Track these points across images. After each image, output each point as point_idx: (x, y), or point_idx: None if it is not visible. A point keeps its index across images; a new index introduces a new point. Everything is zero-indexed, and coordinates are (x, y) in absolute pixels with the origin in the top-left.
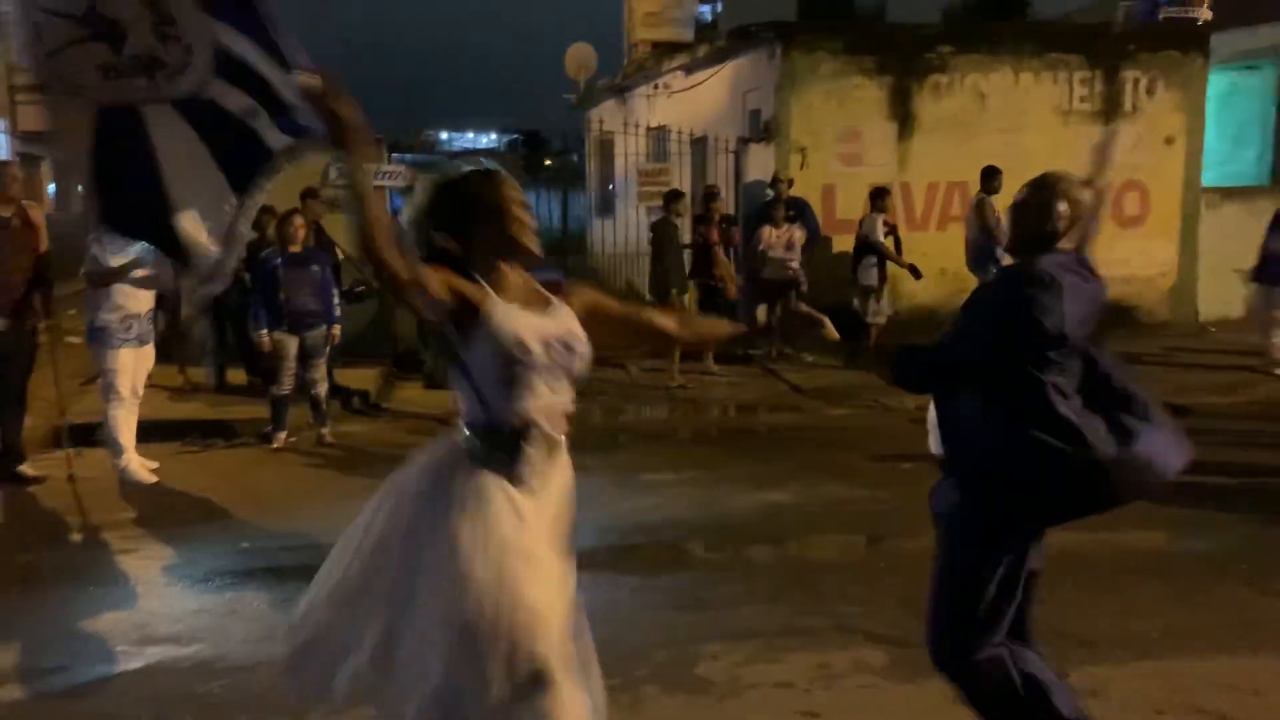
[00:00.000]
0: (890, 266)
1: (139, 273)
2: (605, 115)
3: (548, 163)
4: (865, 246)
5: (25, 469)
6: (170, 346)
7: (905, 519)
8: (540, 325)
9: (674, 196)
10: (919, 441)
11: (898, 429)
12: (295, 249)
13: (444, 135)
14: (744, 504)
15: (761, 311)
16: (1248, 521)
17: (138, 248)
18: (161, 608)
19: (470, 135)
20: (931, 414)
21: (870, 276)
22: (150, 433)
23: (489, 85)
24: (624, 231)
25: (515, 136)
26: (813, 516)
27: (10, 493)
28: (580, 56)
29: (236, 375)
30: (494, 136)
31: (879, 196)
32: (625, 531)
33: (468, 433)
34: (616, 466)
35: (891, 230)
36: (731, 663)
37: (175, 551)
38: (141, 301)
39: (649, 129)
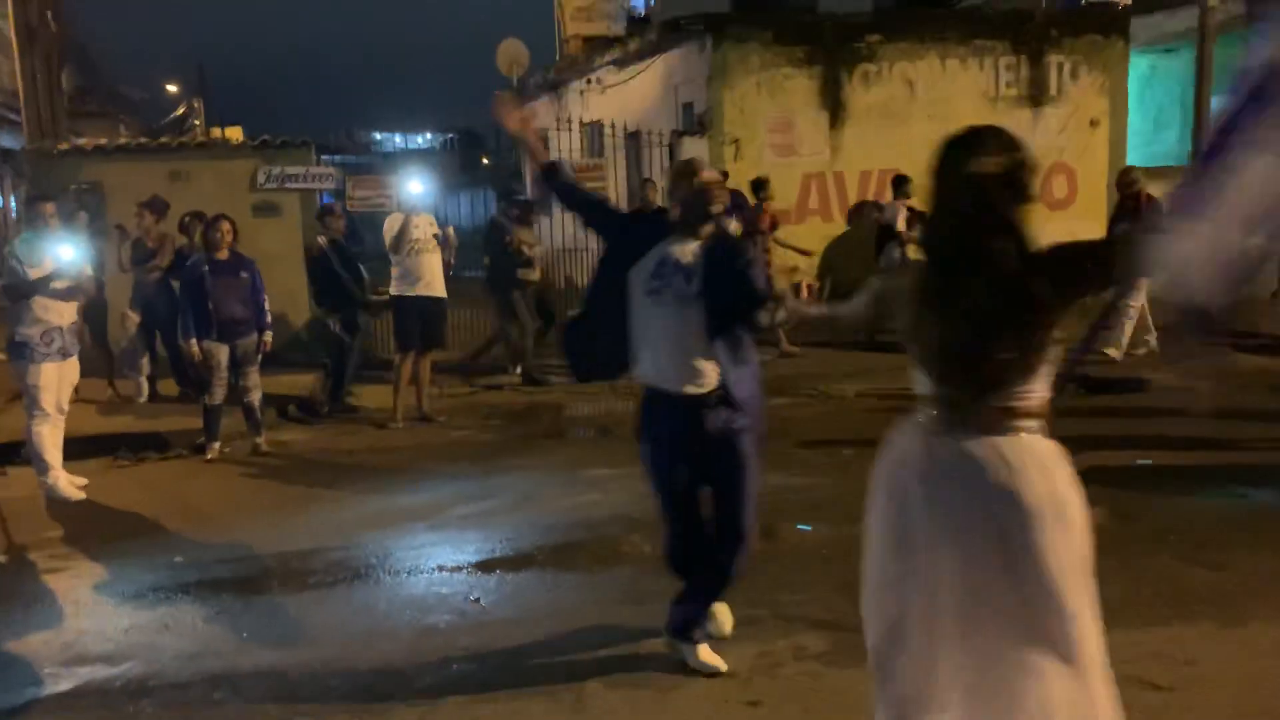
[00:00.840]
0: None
1: (59, 284)
2: (539, 112)
3: (485, 161)
4: (888, 232)
5: None
6: (97, 359)
7: (844, 505)
8: None
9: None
10: (856, 427)
11: (836, 415)
12: (222, 255)
13: (376, 136)
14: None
15: None
16: (1180, 496)
17: (55, 259)
18: (91, 626)
19: (403, 136)
20: None
21: (894, 262)
22: (80, 448)
23: (426, 84)
24: (560, 228)
25: (451, 136)
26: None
27: None
28: (512, 53)
29: (169, 386)
30: (429, 136)
31: (901, 183)
32: (568, 528)
33: None
34: (561, 463)
35: (917, 215)
36: (673, 656)
37: (105, 568)
38: (63, 314)
39: (582, 124)
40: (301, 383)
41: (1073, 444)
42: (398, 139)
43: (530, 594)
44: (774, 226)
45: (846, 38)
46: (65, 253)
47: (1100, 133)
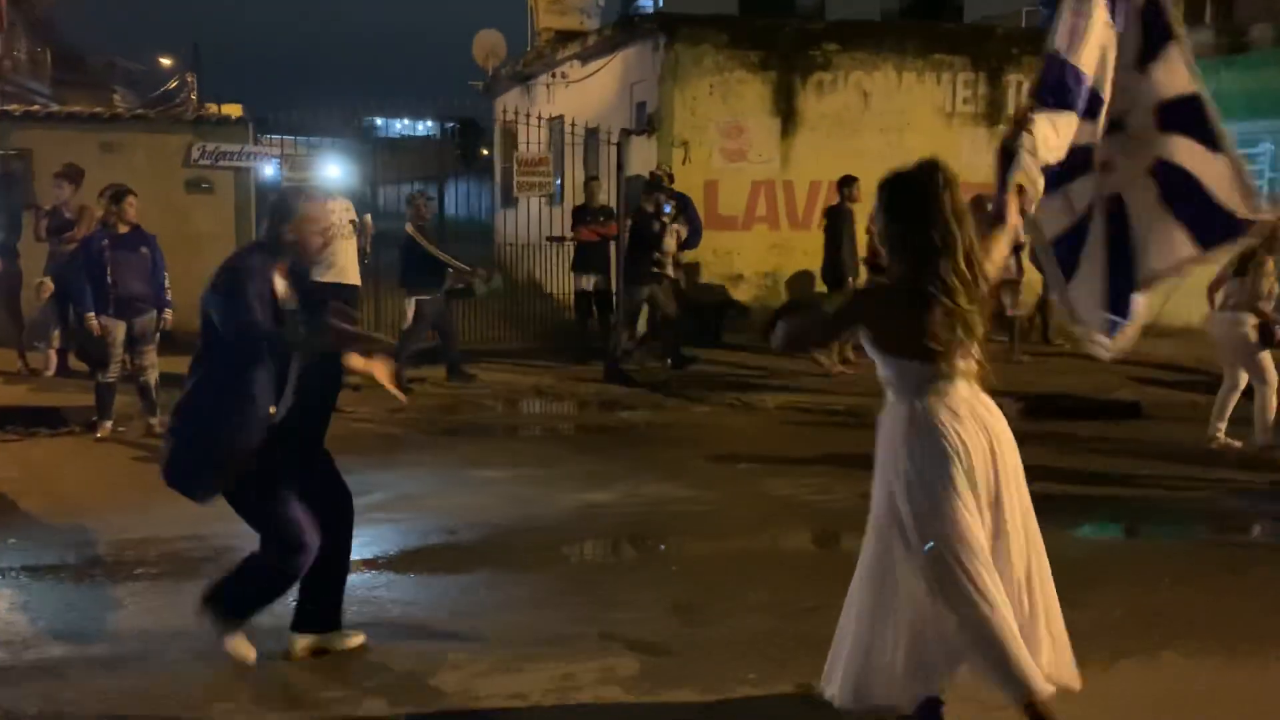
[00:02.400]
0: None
1: None
2: (511, 104)
3: (484, 152)
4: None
5: None
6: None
7: (719, 521)
8: None
9: (847, 182)
10: (768, 441)
11: (751, 427)
12: (123, 230)
13: (378, 121)
14: (563, 504)
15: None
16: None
17: None
18: None
19: (404, 122)
20: None
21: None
22: None
23: (416, 71)
24: (525, 223)
25: (453, 125)
26: (627, 517)
27: None
28: (488, 43)
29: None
30: (429, 124)
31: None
32: (437, 530)
33: None
34: (455, 462)
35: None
36: (471, 673)
37: None
38: None
39: (546, 119)
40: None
41: None
42: (398, 125)
43: (350, 599)
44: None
45: (802, 44)
46: None
47: None
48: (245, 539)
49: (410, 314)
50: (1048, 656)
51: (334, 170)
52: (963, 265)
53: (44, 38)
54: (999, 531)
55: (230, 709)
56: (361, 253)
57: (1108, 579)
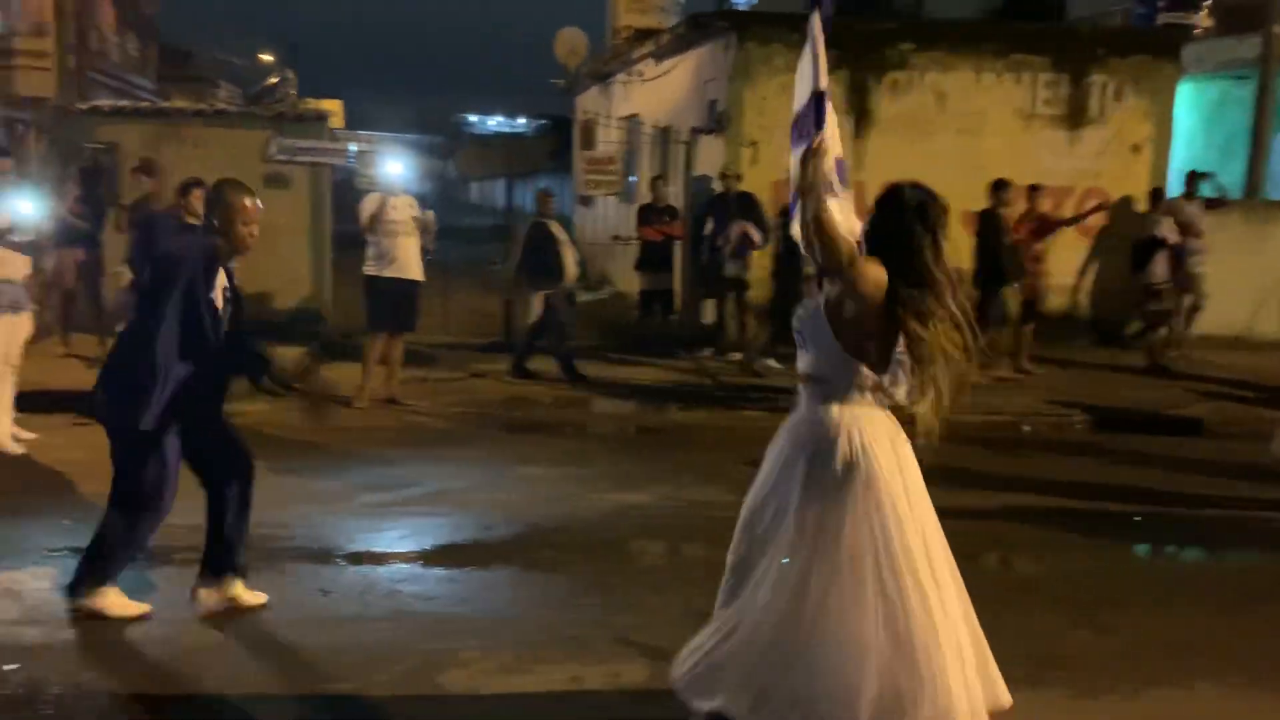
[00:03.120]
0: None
1: (17, 237)
2: (591, 102)
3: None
4: (1154, 244)
5: None
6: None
7: None
8: None
9: (1000, 186)
10: None
11: None
12: (192, 221)
13: (472, 118)
14: (601, 504)
15: (709, 308)
16: (1106, 546)
17: (13, 213)
18: None
19: (499, 119)
20: None
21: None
22: (49, 402)
23: (503, 68)
24: (602, 221)
25: (544, 122)
26: (661, 520)
27: None
28: (570, 41)
29: None
30: (523, 121)
31: (1159, 198)
32: (473, 526)
33: None
34: (504, 458)
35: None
36: (480, 670)
37: None
38: (14, 268)
39: (622, 118)
40: (290, 355)
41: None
42: (491, 122)
43: (374, 592)
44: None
45: (877, 44)
46: (23, 208)
47: (1142, 159)
48: (283, 528)
49: (537, 308)
50: (959, 679)
51: (396, 168)
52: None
53: (150, 36)
54: (902, 548)
55: (241, 696)
56: (424, 249)
57: (1145, 601)
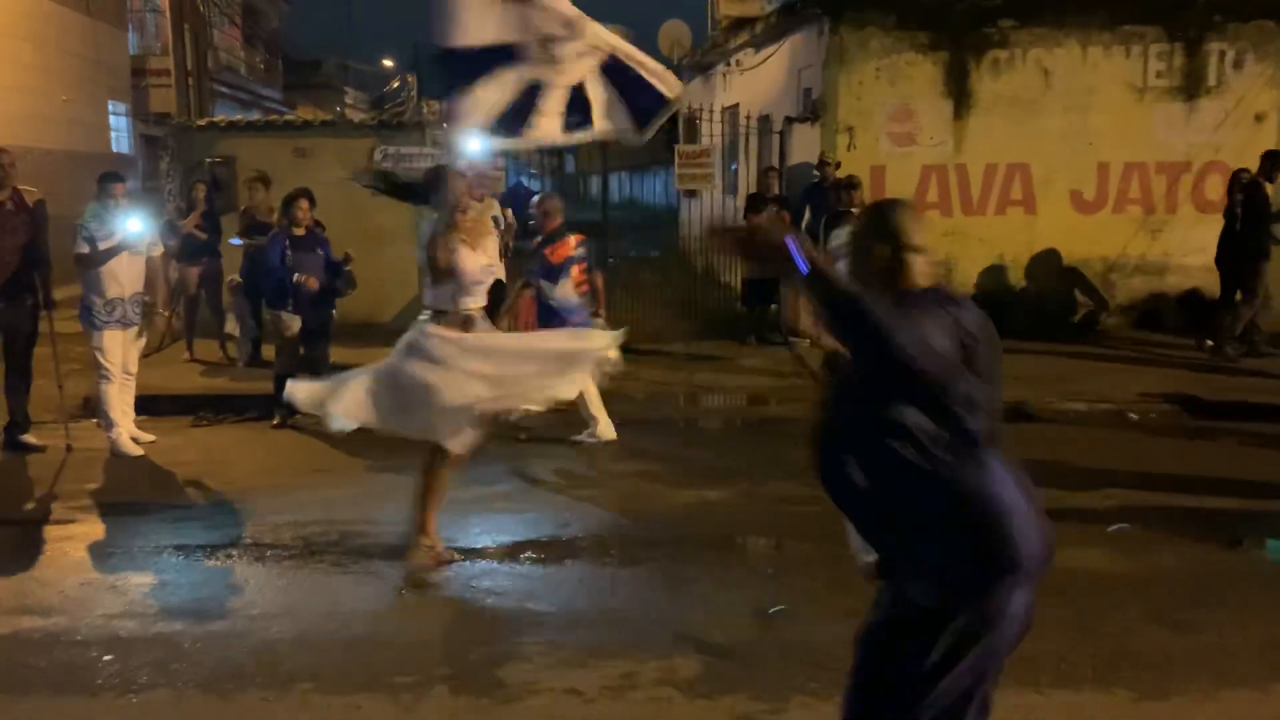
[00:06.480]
0: None
1: (126, 256)
2: (695, 94)
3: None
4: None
5: (28, 438)
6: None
7: (827, 523)
8: None
9: (1272, 156)
10: None
11: None
12: (299, 232)
13: None
14: (680, 499)
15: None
16: (1198, 541)
17: (124, 232)
18: (51, 577)
19: None
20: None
21: None
22: (169, 406)
23: None
24: (707, 213)
25: None
26: (736, 517)
27: (8, 460)
28: (674, 33)
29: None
30: None
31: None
32: (551, 523)
33: None
34: (584, 454)
35: None
36: (539, 665)
37: (107, 524)
38: (127, 285)
39: (722, 109)
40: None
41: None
42: None
43: (448, 587)
44: None
45: (976, 22)
46: (133, 226)
47: (1266, 128)
48: (372, 524)
49: None
50: None
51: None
52: None
53: (275, 49)
54: None
55: (309, 688)
56: (504, 247)
57: (1228, 600)
